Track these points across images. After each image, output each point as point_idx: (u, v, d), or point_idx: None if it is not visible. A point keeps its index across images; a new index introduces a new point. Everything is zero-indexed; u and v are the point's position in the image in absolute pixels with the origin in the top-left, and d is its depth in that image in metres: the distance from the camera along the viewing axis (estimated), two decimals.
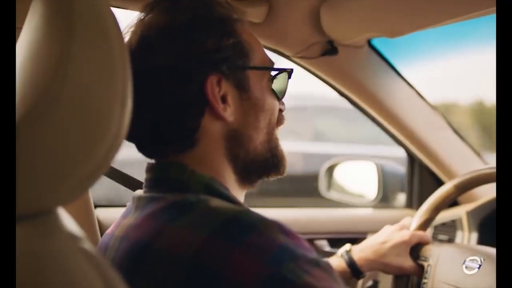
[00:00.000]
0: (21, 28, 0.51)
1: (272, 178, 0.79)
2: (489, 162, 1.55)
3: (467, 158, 1.52)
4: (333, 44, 1.28)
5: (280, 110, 0.79)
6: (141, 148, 0.73)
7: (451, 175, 1.48)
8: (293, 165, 3.95)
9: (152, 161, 0.74)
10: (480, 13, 1.00)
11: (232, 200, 0.68)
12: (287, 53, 1.31)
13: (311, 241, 1.46)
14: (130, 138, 0.71)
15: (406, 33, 1.16)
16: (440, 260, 1.03)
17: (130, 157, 0.88)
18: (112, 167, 0.98)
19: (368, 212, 1.64)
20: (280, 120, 0.79)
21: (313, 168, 3.31)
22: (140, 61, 0.67)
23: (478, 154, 1.54)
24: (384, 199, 1.61)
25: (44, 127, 0.40)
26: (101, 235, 1.14)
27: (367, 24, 1.18)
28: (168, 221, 0.63)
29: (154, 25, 0.69)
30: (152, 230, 0.63)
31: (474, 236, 1.31)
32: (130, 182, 0.98)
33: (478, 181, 1.07)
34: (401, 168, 1.67)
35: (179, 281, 0.57)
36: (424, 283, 1.03)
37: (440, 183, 1.50)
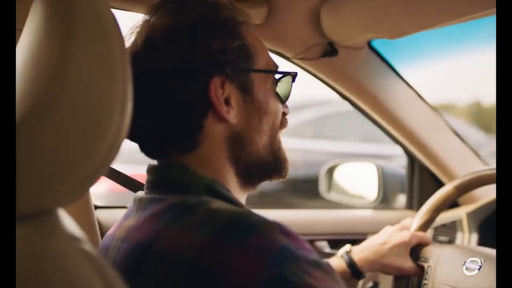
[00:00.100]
0: (21, 30, 0.51)
1: (274, 181, 0.79)
2: (489, 163, 1.55)
3: (467, 159, 1.52)
4: (333, 46, 1.27)
5: (284, 113, 0.79)
6: (143, 148, 0.74)
7: (451, 176, 1.48)
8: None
9: (154, 162, 0.74)
10: (480, 14, 1.00)
11: (233, 201, 0.68)
12: (287, 55, 1.31)
13: (311, 242, 1.46)
14: (133, 138, 0.71)
15: (407, 34, 1.15)
16: (440, 261, 1.03)
17: None
18: (112, 167, 0.98)
19: (368, 213, 1.64)
20: (283, 123, 0.79)
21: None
22: (145, 62, 0.67)
23: (478, 155, 1.54)
24: (384, 200, 1.61)
25: (44, 127, 0.40)
26: (101, 236, 1.14)
27: (367, 25, 1.18)
28: (169, 222, 0.63)
29: (160, 27, 0.69)
30: (153, 231, 0.63)
31: (474, 237, 1.30)
32: (130, 183, 0.98)
33: (478, 182, 1.07)
34: (401, 169, 1.67)
35: (180, 282, 0.57)
36: (424, 284, 1.03)
37: (440, 184, 1.50)
